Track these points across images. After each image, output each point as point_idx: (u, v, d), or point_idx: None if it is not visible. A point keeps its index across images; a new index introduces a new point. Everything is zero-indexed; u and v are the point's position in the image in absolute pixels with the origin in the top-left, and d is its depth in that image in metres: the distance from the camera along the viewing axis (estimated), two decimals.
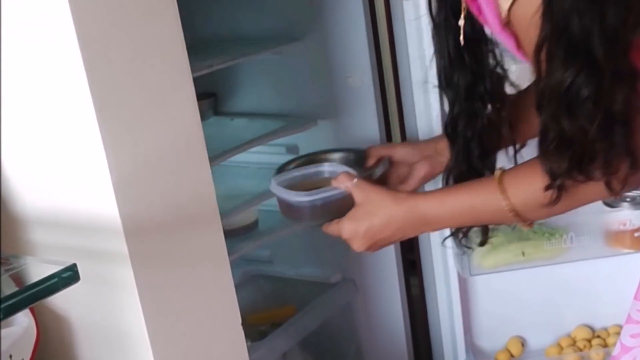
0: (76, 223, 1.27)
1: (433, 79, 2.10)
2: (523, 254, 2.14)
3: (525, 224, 1.41)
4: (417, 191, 1.69)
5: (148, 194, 1.28)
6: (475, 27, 1.41)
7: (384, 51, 2.25)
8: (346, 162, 1.72)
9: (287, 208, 1.59)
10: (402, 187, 1.68)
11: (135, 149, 1.25)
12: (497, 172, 1.40)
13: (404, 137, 2.30)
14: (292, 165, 1.74)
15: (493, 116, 1.49)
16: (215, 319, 1.44)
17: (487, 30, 1.42)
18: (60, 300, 1.34)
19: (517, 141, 1.52)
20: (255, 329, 2.21)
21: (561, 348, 2.39)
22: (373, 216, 1.48)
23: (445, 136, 1.57)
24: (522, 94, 1.55)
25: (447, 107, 2.07)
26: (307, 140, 2.28)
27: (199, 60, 1.85)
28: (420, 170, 1.70)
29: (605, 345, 2.35)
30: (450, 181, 1.55)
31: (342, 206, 1.51)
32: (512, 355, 2.40)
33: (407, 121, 2.28)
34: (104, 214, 1.23)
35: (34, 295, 1.02)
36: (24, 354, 1.25)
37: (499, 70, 1.49)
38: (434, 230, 1.61)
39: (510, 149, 1.52)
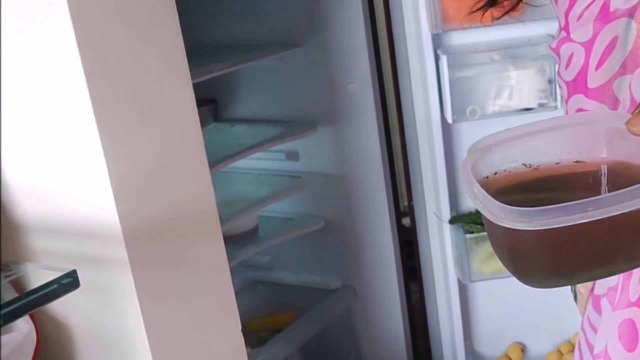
0: (76, 229, 1.26)
1: (433, 84, 2.14)
2: None
3: None
4: None
5: (148, 200, 1.28)
6: None
7: (383, 57, 2.25)
8: None
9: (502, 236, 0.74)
10: None
11: (135, 155, 1.25)
12: None
13: (404, 143, 2.31)
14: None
15: None
16: (215, 325, 1.44)
17: None
18: (60, 307, 1.34)
19: None
20: (256, 335, 2.21)
21: (561, 354, 2.39)
22: None
23: None
24: None
25: (446, 114, 2.09)
26: (307, 147, 2.29)
27: (199, 66, 1.85)
28: None
29: None
30: None
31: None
32: None
33: (407, 127, 2.28)
34: (104, 220, 1.23)
35: (34, 301, 1.02)
36: None
37: None
38: None
39: None
